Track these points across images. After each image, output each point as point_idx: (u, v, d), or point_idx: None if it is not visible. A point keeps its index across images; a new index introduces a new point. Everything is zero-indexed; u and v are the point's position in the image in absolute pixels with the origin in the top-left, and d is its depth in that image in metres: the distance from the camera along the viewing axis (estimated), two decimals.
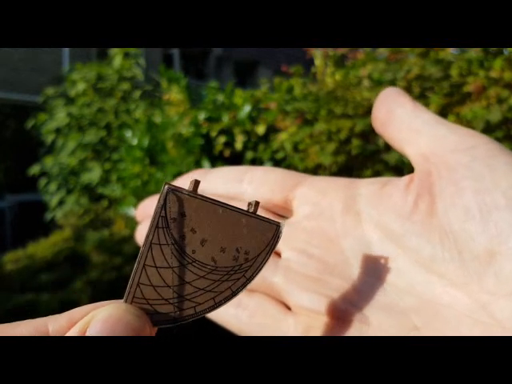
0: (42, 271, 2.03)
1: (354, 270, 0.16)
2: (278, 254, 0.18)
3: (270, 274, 0.18)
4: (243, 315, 0.18)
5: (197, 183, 0.13)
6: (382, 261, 0.16)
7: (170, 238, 0.12)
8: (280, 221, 0.14)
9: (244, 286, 0.13)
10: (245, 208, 0.14)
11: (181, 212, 0.12)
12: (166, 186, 0.12)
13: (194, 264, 0.13)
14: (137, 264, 0.12)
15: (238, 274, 0.13)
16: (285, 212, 0.20)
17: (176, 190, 0.12)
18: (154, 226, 0.12)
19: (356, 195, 0.18)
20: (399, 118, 0.18)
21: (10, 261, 2.18)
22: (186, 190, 0.12)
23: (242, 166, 0.21)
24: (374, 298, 0.15)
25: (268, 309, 0.18)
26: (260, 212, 0.20)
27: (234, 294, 0.13)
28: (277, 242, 0.14)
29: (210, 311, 0.13)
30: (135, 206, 1.90)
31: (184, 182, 0.22)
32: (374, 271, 0.16)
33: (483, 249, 0.13)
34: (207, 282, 0.13)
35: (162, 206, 0.12)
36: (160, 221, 0.12)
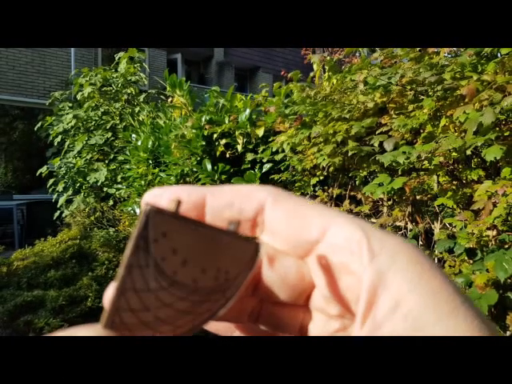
0: (50, 268, 2.08)
1: None
2: None
3: None
4: None
5: (179, 203, 0.12)
6: None
7: (150, 260, 0.12)
8: (259, 240, 0.14)
9: (223, 306, 0.13)
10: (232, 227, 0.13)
11: (162, 233, 0.12)
12: (149, 207, 0.12)
13: (174, 286, 0.12)
14: (116, 288, 0.12)
15: (218, 294, 0.13)
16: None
17: (157, 211, 0.12)
18: (134, 247, 0.12)
19: None
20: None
21: (18, 258, 2.24)
22: (168, 211, 0.12)
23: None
24: None
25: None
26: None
27: (213, 315, 0.13)
28: (256, 260, 0.13)
29: (189, 334, 0.13)
30: (140, 205, 1.93)
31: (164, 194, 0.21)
32: None
33: None
34: (187, 304, 0.12)
35: (143, 227, 0.11)
36: (141, 242, 0.12)
